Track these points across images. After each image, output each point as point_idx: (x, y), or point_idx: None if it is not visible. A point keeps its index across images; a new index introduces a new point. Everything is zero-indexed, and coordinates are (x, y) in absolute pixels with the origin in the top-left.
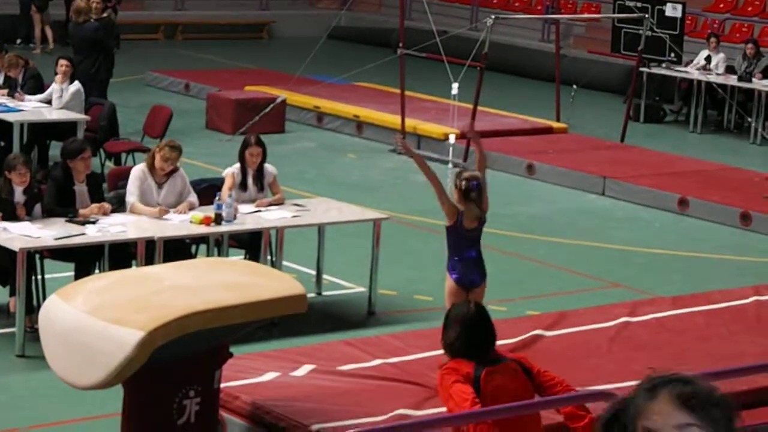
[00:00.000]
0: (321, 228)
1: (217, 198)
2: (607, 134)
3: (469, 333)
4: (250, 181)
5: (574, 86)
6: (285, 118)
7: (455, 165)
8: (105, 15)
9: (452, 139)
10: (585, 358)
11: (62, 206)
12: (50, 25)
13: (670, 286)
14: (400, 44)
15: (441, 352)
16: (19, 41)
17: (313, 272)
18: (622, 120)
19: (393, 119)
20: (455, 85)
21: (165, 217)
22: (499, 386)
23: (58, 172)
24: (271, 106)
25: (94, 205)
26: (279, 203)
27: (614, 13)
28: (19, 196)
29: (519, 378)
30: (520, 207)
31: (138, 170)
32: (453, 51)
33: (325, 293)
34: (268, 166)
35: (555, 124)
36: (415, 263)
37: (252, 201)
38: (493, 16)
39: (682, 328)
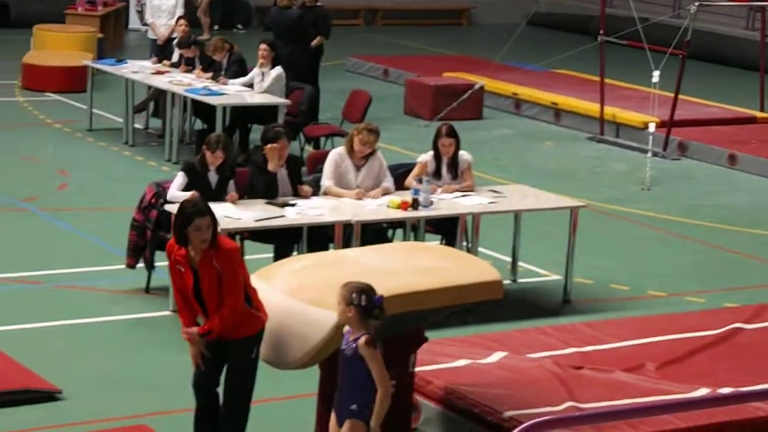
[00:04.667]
0: (517, 215)
1: (414, 184)
2: None
3: None
4: (444, 169)
5: None
6: (483, 104)
7: (655, 154)
8: (318, 4)
9: (652, 127)
10: None
11: (265, 189)
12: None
13: None
14: (601, 31)
15: (638, 341)
16: (216, 27)
17: (509, 259)
18: None
19: (592, 107)
20: (656, 73)
21: (360, 201)
22: None
23: (257, 157)
24: (470, 92)
25: (305, 187)
26: (466, 191)
27: None
28: (212, 174)
29: None
30: (722, 197)
31: (335, 153)
32: (654, 38)
33: (520, 280)
34: (464, 154)
35: (759, 114)
36: (611, 252)
37: None
38: (696, 3)
39: None
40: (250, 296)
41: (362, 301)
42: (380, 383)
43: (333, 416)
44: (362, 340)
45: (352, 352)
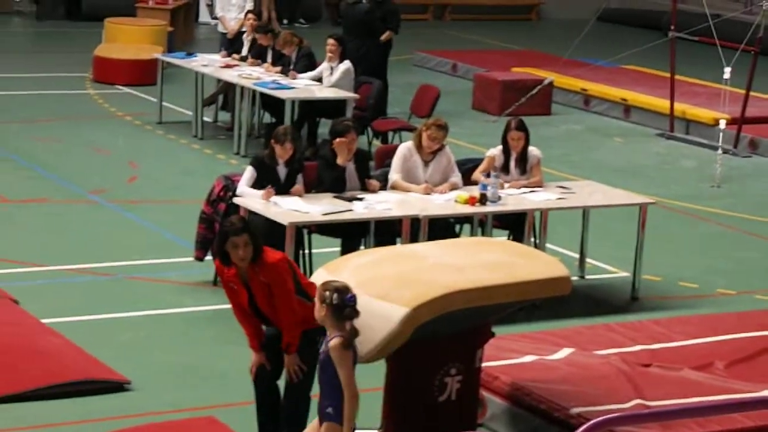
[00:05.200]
0: (585, 211)
1: (482, 179)
2: None
3: None
4: (512, 164)
5: None
6: (551, 100)
7: (725, 151)
8: None
9: (723, 124)
10: None
11: (333, 183)
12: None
13: None
14: (672, 27)
15: (707, 339)
16: (285, 21)
17: (577, 255)
18: None
19: (662, 103)
20: (727, 70)
21: (428, 196)
22: None
23: (325, 151)
24: (538, 87)
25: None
26: (534, 186)
27: None
28: (280, 168)
29: None
30: None
31: (404, 148)
32: (726, 35)
33: (588, 277)
34: (533, 150)
35: None
36: (680, 249)
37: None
38: None
39: None
40: (308, 294)
41: (334, 299)
42: (345, 387)
43: (317, 418)
44: (333, 341)
45: (324, 355)
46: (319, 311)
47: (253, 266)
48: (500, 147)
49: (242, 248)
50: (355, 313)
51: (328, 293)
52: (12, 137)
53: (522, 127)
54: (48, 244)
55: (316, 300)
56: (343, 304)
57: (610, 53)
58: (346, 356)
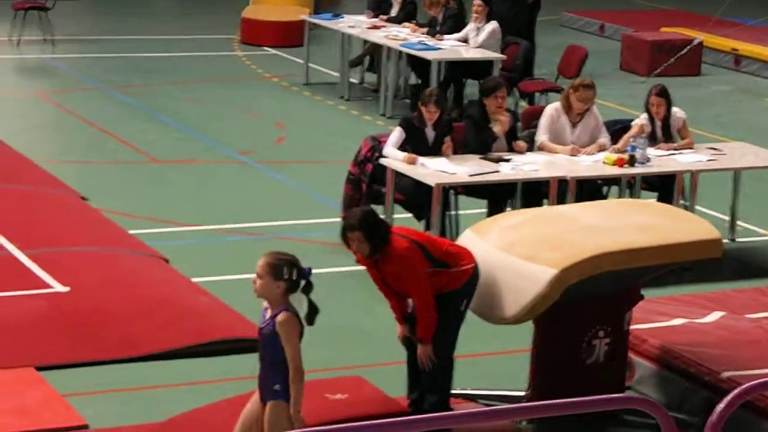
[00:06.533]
0: (737, 173)
1: (631, 140)
2: None
3: None
4: (659, 132)
5: None
6: (701, 60)
7: None
8: None
9: None
10: None
11: (479, 143)
12: None
13: None
14: None
15: None
16: None
17: (727, 218)
18: None
19: None
20: None
21: (575, 158)
22: None
23: (474, 110)
24: (688, 48)
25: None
26: (686, 148)
27: None
28: (429, 130)
29: None
30: None
31: (551, 109)
32: None
33: (739, 240)
34: (677, 111)
35: None
36: None
37: None
38: None
39: None
40: (445, 262)
41: (293, 275)
42: (291, 361)
43: (257, 392)
44: (282, 315)
45: (269, 330)
46: (270, 287)
47: (380, 257)
48: (645, 115)
49: (356, 243)
50: (311, 288)
51: (286, 269)
52: (162, 99)
53: (662, 94)
54: (197, 205)
55: (262, 274)
56: (302, 277)
57: (762, 12)
58: (295, 330)
